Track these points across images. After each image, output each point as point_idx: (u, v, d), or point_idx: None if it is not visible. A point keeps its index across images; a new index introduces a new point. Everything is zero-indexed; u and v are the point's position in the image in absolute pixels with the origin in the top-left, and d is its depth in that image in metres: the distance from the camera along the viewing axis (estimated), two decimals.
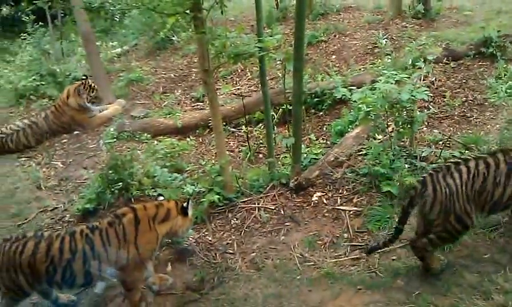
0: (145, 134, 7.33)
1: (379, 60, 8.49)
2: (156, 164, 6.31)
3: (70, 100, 8.45)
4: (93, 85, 8.63)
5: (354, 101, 6.25)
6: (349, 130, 6.84)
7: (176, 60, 10.68)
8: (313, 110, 7.78)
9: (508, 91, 7.06)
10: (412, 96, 5.46)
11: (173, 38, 11.29)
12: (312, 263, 5.03)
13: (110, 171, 6.03)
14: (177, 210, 4.71)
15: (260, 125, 7.47)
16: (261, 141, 7.27)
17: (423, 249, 4.53)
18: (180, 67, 10.37)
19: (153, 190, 5.88)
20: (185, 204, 4.73)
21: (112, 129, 7.82)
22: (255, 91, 8.55)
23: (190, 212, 4.79)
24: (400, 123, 5.78)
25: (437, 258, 4.60)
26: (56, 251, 4.31)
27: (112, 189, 5.99)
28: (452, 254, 4.74)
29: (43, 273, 4.32)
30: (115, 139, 7.28)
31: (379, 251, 4.85)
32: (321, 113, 7.73)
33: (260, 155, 7.08)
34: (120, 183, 5.95)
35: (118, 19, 13.62)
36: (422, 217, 4.54)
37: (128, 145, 7.36)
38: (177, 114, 8.10)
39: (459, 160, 4.55)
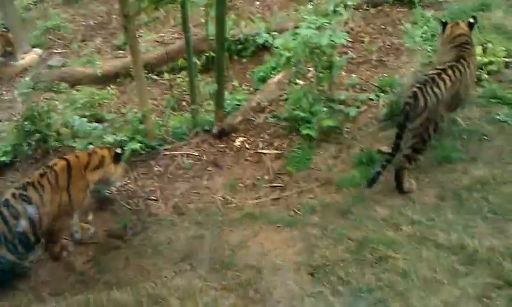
0: (63, 84, 7.07)
1: (302, 7, 8.54)
2: (75, 113, 6.14)
3: None
4: (11, 41, 8.16)
5: (277, 47, 6.31)
6: (271, 76, 6.91)
7: (96, 7, 10.25)
8: (236, 57, 7.78)
9: (423, 35, 7.33)
10: (331, 41, 5.58)
11: None
12: (234, 205, 5.18)
13: (26, 123, 5.84)
14: (110, 157, 4.70)
15: (183, 72, 7.39)
16: (184, 89, 7.21)
17: (403, 169, 4.91)
18: (100, 14, 9.97)
19: (72, 140, 5.76)
20: (118, 151, 4.73)
21: (28, 79, 7.48)
22: (178, 38, 8.40)
23: (123, 159, 4.83)
24: (320, 68, 5.91)
25: (409, 180, 4.96)
26: (3, 226, 4.17)
27: (29, 141, 5.80)
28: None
29: (6, 251, 4.19)
30: (31, 90, 6.98)
31: None
32: (244, 60, 7.75)
33: (184, 103, 7.04)
34: (37, 135, 5.78)
35: None
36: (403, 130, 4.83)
37: (45, 96, 7.09)
38: (97, 62, 7.84)
39: (439, 71, 4.94)
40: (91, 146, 4.82)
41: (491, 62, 6.34)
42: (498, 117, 5.80)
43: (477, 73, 6.28)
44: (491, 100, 6.05)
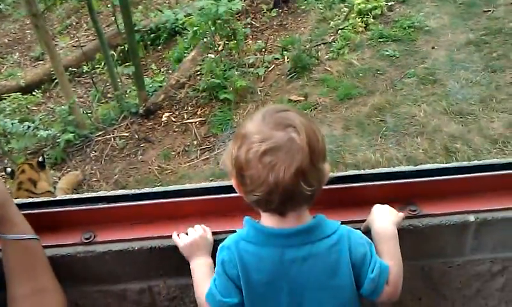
0: None
1: None
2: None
3: None
4: None
5: (184, 27, 6.86)
6: (185, 55, 7.45)
7: (8, 26, 10.37)
8: (151, 46, 8.25)
9: None
10: (229, 8, 6.20)
11: (0, 6, 10.83)
12: (170, 171, 5.69)
13: None
14: (36, 169, 4.80)
15: (102, 63, 7.74)
16: (107, 83, 7.60)
17: None
18: (12, 31, 10.11)
19: (8, 144, 6.07)
20: (40, 159, 4.89)
21: None
22: (94, 40, 8.74)
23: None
24: (225, 36, 6.53)
25: None
26: None
27: None
28: None
29: None
30: None
31: None
32: (160, 47, 8.23)
33: (109, 95, 7.43)
34: None
35: None
36: None
37: None
38: (18, 74, 8.08)
39: None
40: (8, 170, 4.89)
41: (375, 8, 7.19)
42: (387, 52, 6.68)
43: (364, 19, 7.17)
44: (380, 39, 6.92)
